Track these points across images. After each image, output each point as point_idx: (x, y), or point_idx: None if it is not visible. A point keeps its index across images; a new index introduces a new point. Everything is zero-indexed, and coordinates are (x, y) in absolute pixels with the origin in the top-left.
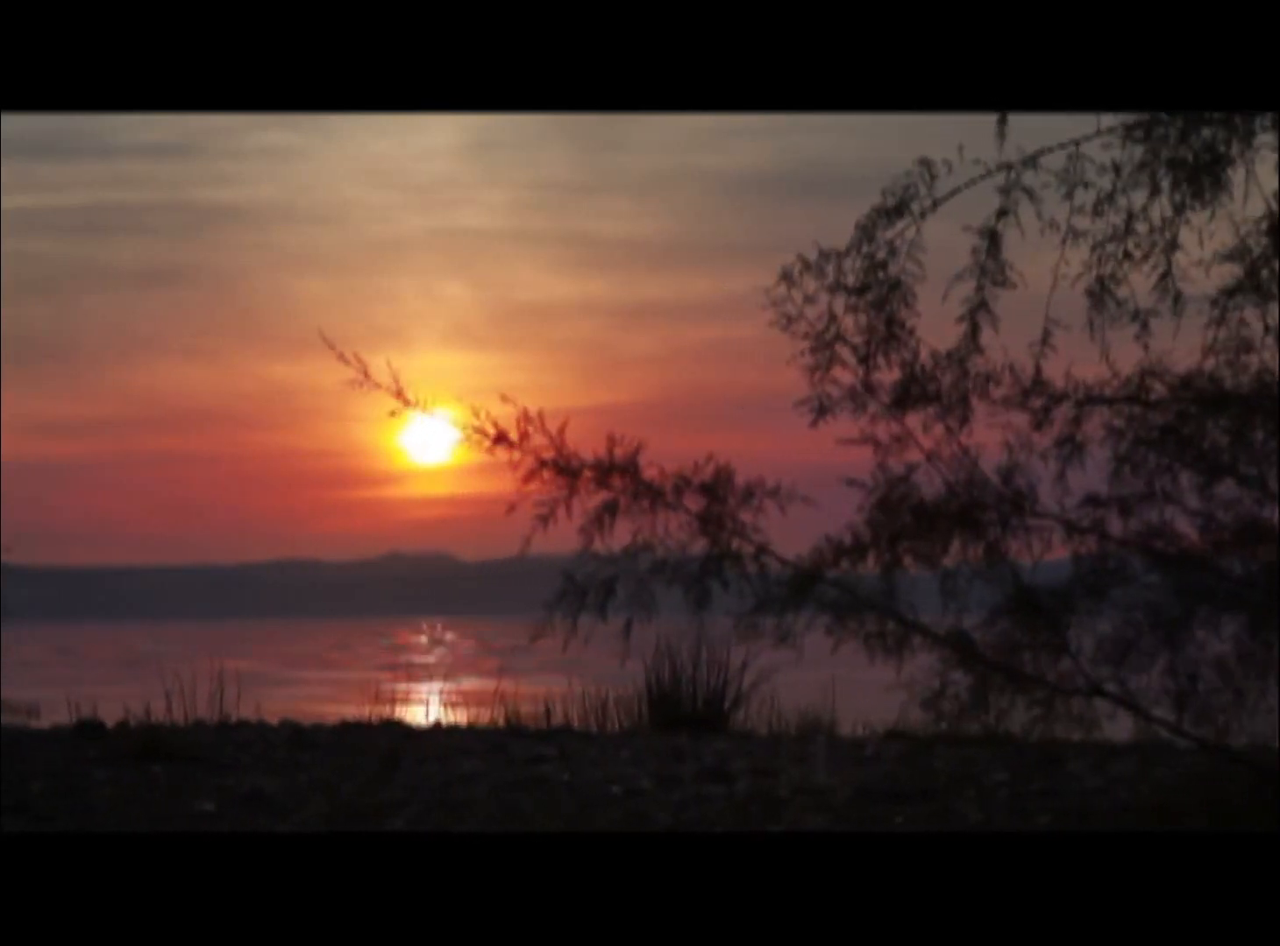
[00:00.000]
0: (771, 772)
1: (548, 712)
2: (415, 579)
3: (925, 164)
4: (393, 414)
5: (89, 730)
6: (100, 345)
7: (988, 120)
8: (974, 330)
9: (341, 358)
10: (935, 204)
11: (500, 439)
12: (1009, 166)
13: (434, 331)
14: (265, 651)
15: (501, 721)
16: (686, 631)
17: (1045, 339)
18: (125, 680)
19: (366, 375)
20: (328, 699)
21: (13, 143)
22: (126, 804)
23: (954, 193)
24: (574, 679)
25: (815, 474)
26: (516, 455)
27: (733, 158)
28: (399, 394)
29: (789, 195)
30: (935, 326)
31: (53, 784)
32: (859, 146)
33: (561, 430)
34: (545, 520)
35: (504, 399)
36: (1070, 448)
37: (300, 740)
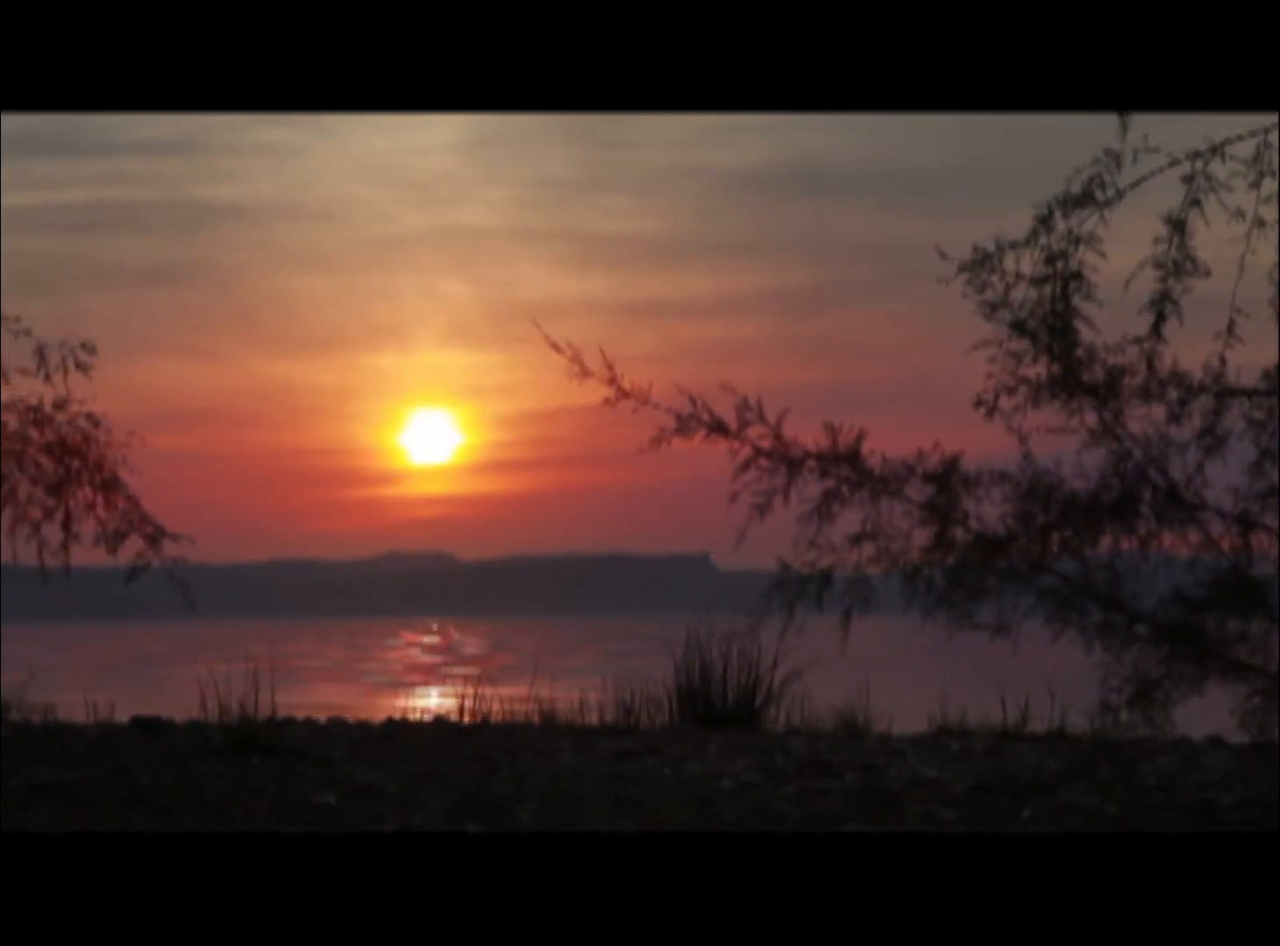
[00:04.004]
0: (873, 766)
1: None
2: (414, 578)
3: (1111, 154)
4: (606, 402)
5: (147, 727)
6: (100, 343)
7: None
8: (1159, 320)
9: (555, 347)
10: (1120, 193)
11: (716, 427)
12: (1197, 155)
13: (434, 329)
14: (272, 651)
15: (537, 719)
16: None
17: (1231, 329)
18: (131, 680)
19: (580, 364)
20: (351, 698)
21: (12, 140)
22: (245, 796)
23: (1139, 182)
24: (604, 678)
25: None
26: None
27: (734, 155)
28: (612, 381)
29: (790, 193)
30: (1108, 318)
31: (160, 777)
32: (860, 145)
33: (780, 420)
34: (762, 509)
35: (723, 387)
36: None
37: (377, 735)
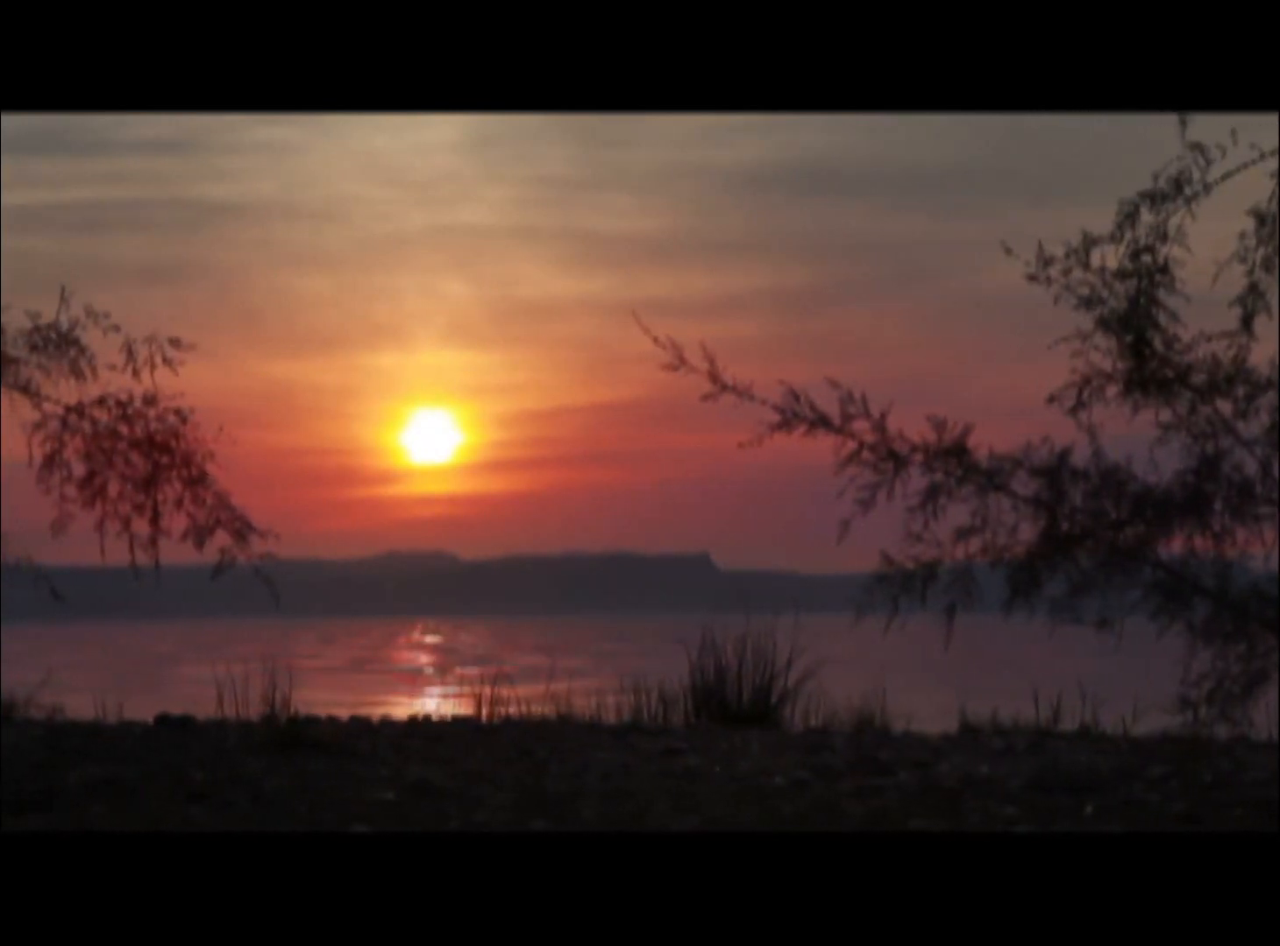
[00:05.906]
0: (923, 763)
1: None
2: (414, 578)
3: (1198, 148)
4: (705, 398)
5: (175, 725)
6: (99, 343)
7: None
8: (1249, 315)
9: (656, 341)
10: (1207, 187)
11: (820, 422)
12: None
13: (434, 329)
14: (275, 651)
15: (554, 716)
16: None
17: None
18: (137, 679)
19: (682, 359)
20: (358, 697)
21: (12, 139)
22: (303, 793)
23: (1226, 176)
24: (619, 677)
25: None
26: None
27: (734, 155)
28: (713, 376)
29: (790, 193)
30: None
31: (213, 773)
32: (860, 145)
33: (884, 415)
34: (866, 504)
35: (830, 383)
36: None
37: (415, 733)
